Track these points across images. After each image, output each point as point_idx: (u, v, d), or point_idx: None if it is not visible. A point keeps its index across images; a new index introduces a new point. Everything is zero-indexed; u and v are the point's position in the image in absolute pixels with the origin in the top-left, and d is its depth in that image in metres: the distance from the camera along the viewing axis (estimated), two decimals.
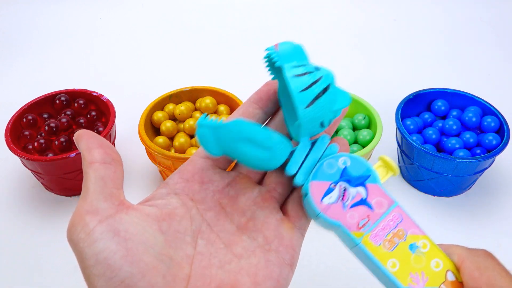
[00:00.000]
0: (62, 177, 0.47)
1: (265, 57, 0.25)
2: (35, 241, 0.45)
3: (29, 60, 0.71)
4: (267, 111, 0.27)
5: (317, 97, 0.23)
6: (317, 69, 0.23)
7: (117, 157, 0.23)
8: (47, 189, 0.50)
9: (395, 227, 0.23)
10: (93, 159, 0.22)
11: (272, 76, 0.26)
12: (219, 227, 0.24)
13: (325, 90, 0.23)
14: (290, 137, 0.26)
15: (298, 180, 0.24)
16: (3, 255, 0.44)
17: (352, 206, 0.24)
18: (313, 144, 0.25)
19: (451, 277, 0.23)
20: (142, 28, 0.78)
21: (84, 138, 0.23)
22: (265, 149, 0.23)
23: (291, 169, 0.25)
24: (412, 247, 0.23)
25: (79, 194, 0.50)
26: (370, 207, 0.24)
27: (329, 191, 0.24)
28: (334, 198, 0.24)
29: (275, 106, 0.27)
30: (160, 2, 0.84)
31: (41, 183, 0.50)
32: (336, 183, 0.24)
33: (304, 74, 0.23)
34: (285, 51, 0.23)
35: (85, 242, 0.20)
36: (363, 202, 0.24)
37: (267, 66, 0.25)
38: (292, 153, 0.25)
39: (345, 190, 0.24)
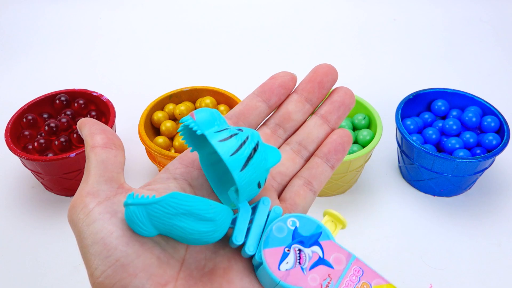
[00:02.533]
0: (62, 177, 0.47)
1: (180, 130, 0.23)
2: (35, 241, 0.45)
3: (29, 60, 0.71)
4: (270, 104, 0.27)
5: (249, 157, 0.22)
6: (240, 130, 0.22)
7: (118, 142, 0.24)
8: (47, 189, 0.50)
9: (358, 281, 0.22)
10: (95, 143, 0.23)
11: (191, 148, 0.24)
12: None
13: (255, 149, 0.22)
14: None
15: (249, 249, 0.22)
16: (3, 255, 0.44)
17: (311, 268, 0.22)
18: (254, 208, 0.24)
19: None
20: (142, 28, 0.78)
21: (88, 125, 0.24)
22: (207, 221, 0.21)
23: (237, 239, 0.22)
24: None
25: None
26: (329, 265, 0.22)
27: (285, 256, 0.22)
28: (291, 263, 0.22)
29: (279, 99, 0.27)
30: (160, 2, 0.84)
31: (41, 183, 0.50)
32: (289, 246, 0.22)
33: (230, 137, 0.22)
34: (202, 118, 0.22)
35: (83, 222, 0.20)
36: (321, 261, 0.22)
37: (184, 138, 0.24)
38: (234, 220, 0.23)
39: (300, 252, 0.22)
